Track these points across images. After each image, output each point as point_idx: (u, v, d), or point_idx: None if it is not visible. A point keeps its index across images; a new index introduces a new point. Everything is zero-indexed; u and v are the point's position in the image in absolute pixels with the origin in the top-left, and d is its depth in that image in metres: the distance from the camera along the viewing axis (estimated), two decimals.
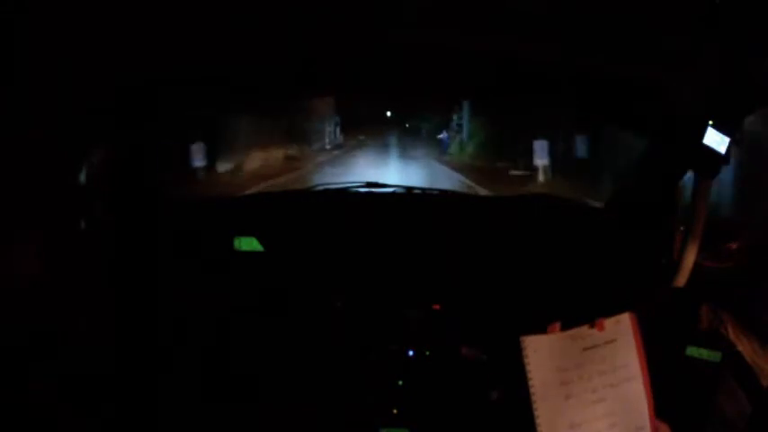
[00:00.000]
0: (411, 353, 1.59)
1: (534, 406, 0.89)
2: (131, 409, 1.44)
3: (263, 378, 1.55)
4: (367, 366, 1.58)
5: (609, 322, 0.93)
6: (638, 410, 0.91)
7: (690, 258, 1.45)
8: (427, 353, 1.59)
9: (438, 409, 1.55)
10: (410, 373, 1.58)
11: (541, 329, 0.95)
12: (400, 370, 1.58)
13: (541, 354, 0.91)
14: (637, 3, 1.13)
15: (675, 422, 0.97)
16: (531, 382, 0.90)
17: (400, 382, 1.57)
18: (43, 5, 1.07)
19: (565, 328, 0.94)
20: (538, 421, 0.89)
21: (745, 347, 1.35)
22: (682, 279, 1.46)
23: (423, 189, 1.88)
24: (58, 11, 1.07)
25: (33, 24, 1.07)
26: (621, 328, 0.93)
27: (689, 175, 1.47)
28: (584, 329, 0.93)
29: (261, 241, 1.62)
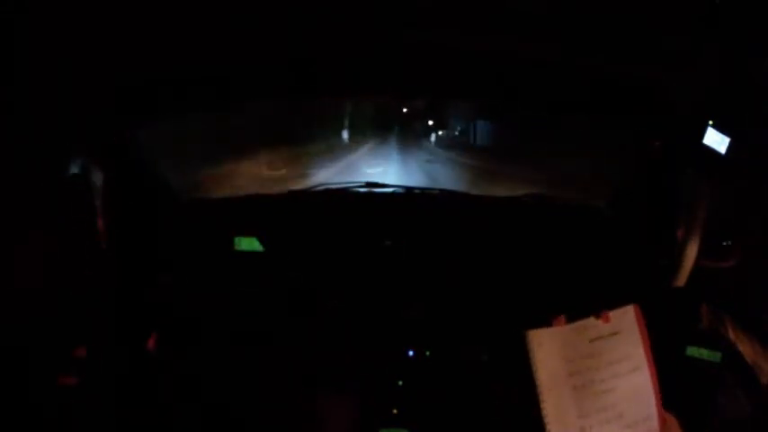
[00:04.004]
0: (411, 353, 1.59)
1: (541, 398, 0.89)
2: (131, 408, 1.44)
3: (262, 377, 1.55)
4: (367, 366, 1.57)
5: (614, 314, 0.94)
6: (645, 401, 0.92)
7: (690, 258, 1.45)
8: (427, 353, 1.59)
9: (438, 409, 1.55)
10: (410, 373, 1.58)
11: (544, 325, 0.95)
12: (400, 370, 1.58)
13: (547, 347, 0.92)
14: (637, 3, 1.13)
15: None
16: (536, 375, 0.90)
17: (400, 383, 1.57)
18: (43, 5, 1.07)
19: (573, 320, 0.94)
20: (545, 413, 0.89)
21: (745, 347, 1.35)
22: (682, 279, 1.46)
23: (422, 189, 1.89)
24: (57, 11, 1.07)
25: (33, 24, 1.07)
26: (626, 320, 0.94)
27: (689, 175, 1.47)
28: (590, 321, 0.93)
29: (261, 241, 1.62)
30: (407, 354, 1.59)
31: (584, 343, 0.93)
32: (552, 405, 0.90)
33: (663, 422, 0.91)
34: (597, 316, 0.94)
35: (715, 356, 1.37)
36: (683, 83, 1.29)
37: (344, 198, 1.82)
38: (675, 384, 1.04)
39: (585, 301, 0.98)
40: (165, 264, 1.63)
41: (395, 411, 1.55)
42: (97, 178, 1.44)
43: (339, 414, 1.54)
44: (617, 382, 0.92)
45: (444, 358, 1.59)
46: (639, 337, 0.93)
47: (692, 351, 1.39)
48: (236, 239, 1.62)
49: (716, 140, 1.30)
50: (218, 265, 1.63)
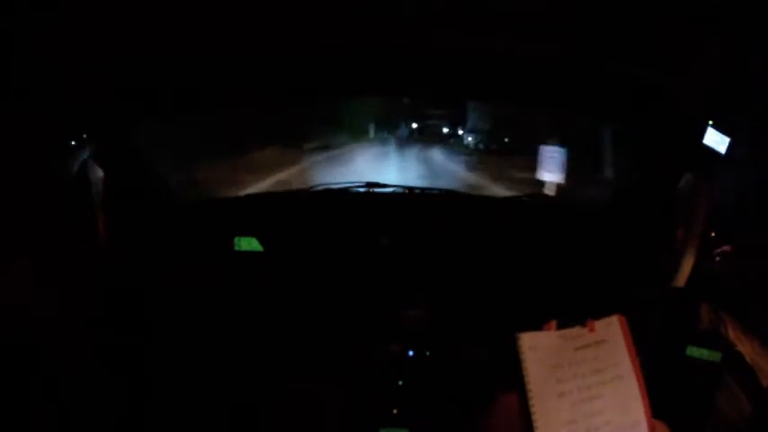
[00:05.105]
0: (411, 353, 1.59)
1: (530, 403, 0.91)
2: (128, 409, 1.44)
3: (262, 377, 1.55)
4: (367, 366, 1.58)
5: (599, 324, 0.95)
6: (632, 408, 0.93)
7: (690, 258, 1.45)
8: (427, 353, 1.59)
9: (438, 409, 1.55)
10: (410, 373, 1.58)
11: (540, 328, 0.96)
12: (400, 370, 1.58)
13: (537, 351, 0.93)
14: (637, 3, 1.13)
15: (675, 422, 0.98)
16: (526, 379, 0.91)
17: (400, 383, 1.57)
18: (43, 5, 1.07)
19: (563, 326, 0.95)
20: (534, 418, 0.90)
21: (745, 347, 1.35)
22: (682, 279, 1.47)
23: (422, 189, 1.88)
24: (57, 11, 1.07)
25: (33, 24, 1.07)
26: (611, 330, 0.96)
27: (689, 175, 1.47)
28: (576, 330, 0.95)
29: (261, 241, 1.62)
30: (407, 354, 1.59)
31: (570, 351, 0.94)
32: (541, 410, 0.91)
33: (652, 429, 0.92)
34: (583, 325, 0.95)
35: (715, 356, 1.38)
36: (683, 83, 1.29)
37: (344, 198, 1.82)
38: (675, 384, 1.04)
39: (586, 301, 0.99)
40: (165, 264, 1.63)
41: (395, 411, 1.55)
42: (97, 178, 1.44)
43: (339, 413, 1.54)
44: (604, 389, 0.93)
45: (444, 358, 1.59)
46: (624, 346, 0.95)
47: (692, 351, 1.40)
48: (236, 239, 1.62)
49: (716, 140, 1.30)
50: (218, 264, 1.63)
